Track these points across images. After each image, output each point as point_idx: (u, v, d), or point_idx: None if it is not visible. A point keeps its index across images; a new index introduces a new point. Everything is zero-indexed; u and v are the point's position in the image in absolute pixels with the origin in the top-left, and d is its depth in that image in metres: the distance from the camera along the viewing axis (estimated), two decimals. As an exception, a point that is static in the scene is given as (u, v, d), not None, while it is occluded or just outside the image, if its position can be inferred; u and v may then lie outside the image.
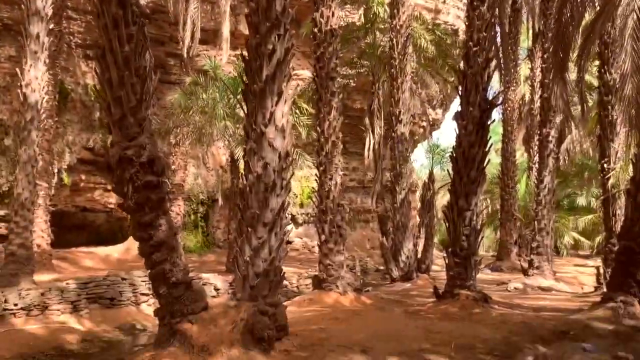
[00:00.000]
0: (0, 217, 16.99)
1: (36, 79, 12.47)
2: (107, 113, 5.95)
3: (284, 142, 7.01)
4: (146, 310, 11.00)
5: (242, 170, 7.37)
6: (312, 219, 26.89)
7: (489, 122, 10.59)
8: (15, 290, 9.58)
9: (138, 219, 6.03)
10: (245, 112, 7.18)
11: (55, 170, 18.90)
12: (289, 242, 8.08)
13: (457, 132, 10.63)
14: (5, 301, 9.02)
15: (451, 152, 10.95)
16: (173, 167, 20.69)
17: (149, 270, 6.31)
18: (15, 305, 9.10)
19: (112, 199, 21.58)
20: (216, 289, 13.53)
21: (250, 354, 5.89)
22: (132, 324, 10.18)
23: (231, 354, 5.82)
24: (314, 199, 12.37)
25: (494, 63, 10.86)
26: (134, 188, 5.83)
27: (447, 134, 56.64)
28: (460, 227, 10.37)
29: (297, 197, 27.20)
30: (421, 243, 18.47)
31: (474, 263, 10.54)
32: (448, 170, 11.52)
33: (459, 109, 10.76)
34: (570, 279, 16.72)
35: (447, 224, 10.84)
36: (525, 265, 16.81)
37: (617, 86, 12.03)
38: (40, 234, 15.68)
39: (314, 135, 13.26)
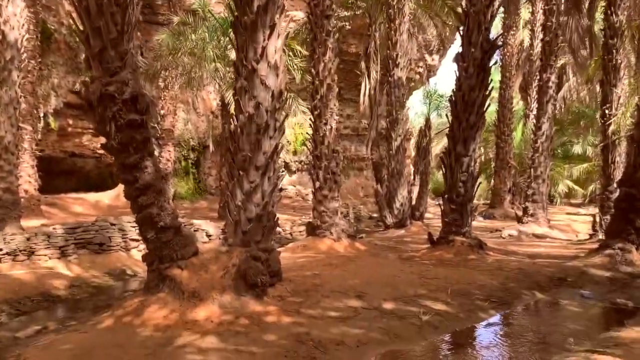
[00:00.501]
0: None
1: (14, 16, 11.78)
2: (85, 46, 5.49)
3: (278, 80, 6.60)
4: (136, 256, 10.81)
5: (233, 113, 6.98)
6: (305, 166, 26.64)
7: (490, 65, 10.19)
8: (1, 235, 9.31)
9: (122, 160, 5.69)
10: (236, 46, 6.72)
11: (41, 114, 18.34)
12: (282, 189, 7.86)
13: (457, 75, 10.22)
14: (-9, 246, 8.80)
15: (450, 95, 10.57)
16: (162, 111, 20.12)
17: (136, 215, 6.02)
18: (0, 250, 8.86)
19: (101, 145, 21.05)
20: (208, 235, 13.35)
21: (242, 300, 5.71)
22: (122, 270, 10.00)
23: (223, 299, 5.63)
24: (308, 146, 12.01)
25: (497, 1, 10.35)
26: (116, 127, 5.46)
27: (443, 82, 55.77)
28: (457, 174, 10.14)
29: (290, 144, 26.80)
30: (415, 190, 18.30)
31: (469, 210, 10.38)
32: (447, 115, 11.18)
33: (460, 50, 10.32)
34: (564, 227, 16.71)
35: (443, 170, 10.61)
36: (520, 212, 16.75)
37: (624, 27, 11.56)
38: (28, 179, 15.31)
39: (308, 79, 12.73)
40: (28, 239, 9.42)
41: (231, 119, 6.91)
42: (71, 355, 4.51)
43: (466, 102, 9.99)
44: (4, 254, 8.88)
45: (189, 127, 23.61)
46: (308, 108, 13.46)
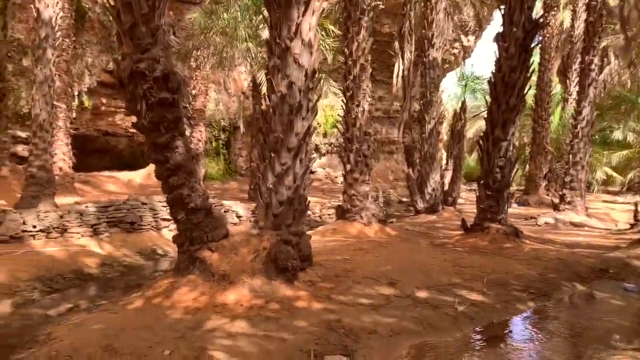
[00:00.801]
0: (22, 139, 16.83)
1: (49, -7, 11.81)
2: (116, 21, 5.38)
3: (311, 58, 6.38)
4: (167, 235, 10.84)
5: (264, 93, 6.80)
6: (335, 149, 26.45)
7: (532, 45, 9.75)
8: (34, 212, 9.42)
9: (153, 139, 5.59)
10: (269, 24, 6.52)
11: (76, 93, 18.56)
12: (311, 172, 7.72)
13: (497, 55, 9.82)
14: (24, 223, 8.88)
15: (489, 77, 10.17)
16: (194, 91, 20.13)
17: (167, 195, 5.94)
18: (34, 227, 8.96)
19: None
20: (238, 217, 13.32)
21: (273, 284, 5.59)
22: (153, 249, 10.03)
23: (253, 283, 5.52)
24: (340, 128, 11.78)
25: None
26: (147, 106, 5.35)
27: (478, 64, 54.57)
28: (494, 159, 9.79)
29: (320, 126, 26.59)
30: (448, 175, 17.92)
31: (506, 196, 10.03)
32: (485, 97, 10.79)
33: (500, 29, 9.89)
34: (602, 215, 16.12)
35: (479, 155, 10.26)
36: (556, 199, 16.24)
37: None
38: (62, 157, 15.55)
39: (341, 59, 12.45)
40: (61, 217, 9.51)
41: (262, 100, 6.75)
42: (101, 336, 4.47)
43: (506, 84, 9.60)
44: (37, 231, 8.99)
45: (220, 108, 23.61)
46: (340, 89, 13.22)
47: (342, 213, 11.40)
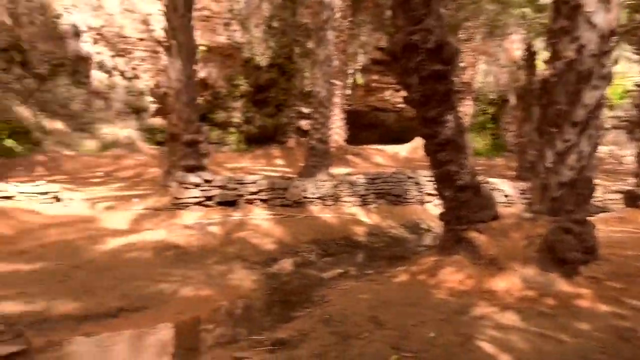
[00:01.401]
0: (306, 115, 18.81)
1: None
2: (391, -6, 5.36)
3: (609, 16, 5.38)
4: (431, 210, 10.81)
5: (540, 64, 6.05)
6: (623, 123, 22.85)
7: None
8: (313, 181, 10.41)
9: (423, 113, 5.46)
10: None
11: (350, 71, 19.87)
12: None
13: None
14: (305, 190, 9.87)
15: None
16: (462, 64, 19.59)
17: (434, 171, 5.79)
18: (313, 194, 9.89)
19: (402, 99, 21.85)
20: (505, 196, 12.54)
21: (548, 277, 4.98)
22: (417, 223, 10.12)
23: (525, 272, 5.01)
24: (635, 99, 9.96)
25: None
26: (419, 79, 5.24)
27: None
28: None
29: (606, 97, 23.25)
30: None
31: None
32: None
33: None
34: None
35: None
36: None
37: None
38: (337, 131, 16.92)
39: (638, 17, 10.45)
40: (335, 186, 10.29)
41: (545, 66, 5.99)
42: (368, 306, 4.59)
43: None
44: (315, 198, 9.90)
45: (488, 80, 22.56)
46: (636, 53, 11.17)
47: (632, 200, 9.74)
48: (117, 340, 4.59)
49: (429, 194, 11.28)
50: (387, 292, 5.07)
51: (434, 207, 10.87)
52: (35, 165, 15.08)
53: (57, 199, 9.09)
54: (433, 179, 6.11)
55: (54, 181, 10.39)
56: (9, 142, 15.85)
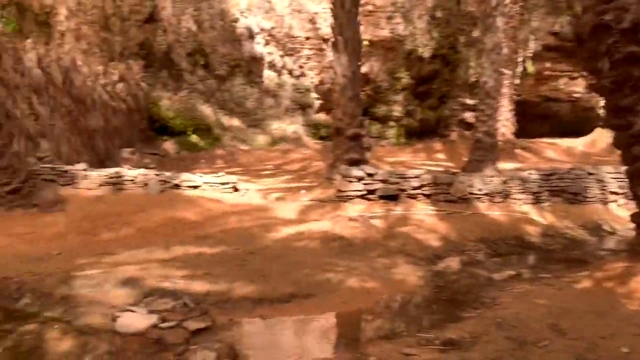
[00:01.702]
0: (470, 107, 18.09)
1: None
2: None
3: None
4: (615, 210, 9.66)
5: None
6: None
7: None
8: (479, 176, 9.91)
9: (614, 101, 4.87)
10: None
11: (520, 59, 18.65)
12: None
13: None
14: (471, 186, 9.43)
15: None
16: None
17: (626, 166, 5.14)
18: (480, 190, 9.40)
19: (578, 88, 20.01)
20: None
21: None
22: (598, 224, 9.09)
23: None
24: None
25: None
26: (610, 63, 4.68)
27: None
28: None
29: None
30: None
31: None
32: None
33: None
34: None
35: None
36: None
37: None
38: (505, 123, 16.00)
39: None
40: (504, 182, 9.68)
41: None
42: (546, 312, 4.23)
43: None
44: (482, 194, 9.41)
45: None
46: None
47: None
48: (286, 325, 4.82)
49: (613, 193, 10.08)
50: (567, 298, 4.63)
51: (619, 207, 9.72)
52: (215, 159, 16.65)
53: (235, 189, 9.91)
54: (623, 175, 5.45)
55: (231, 173, 11.34)
56: (194, 138, 17.72)
